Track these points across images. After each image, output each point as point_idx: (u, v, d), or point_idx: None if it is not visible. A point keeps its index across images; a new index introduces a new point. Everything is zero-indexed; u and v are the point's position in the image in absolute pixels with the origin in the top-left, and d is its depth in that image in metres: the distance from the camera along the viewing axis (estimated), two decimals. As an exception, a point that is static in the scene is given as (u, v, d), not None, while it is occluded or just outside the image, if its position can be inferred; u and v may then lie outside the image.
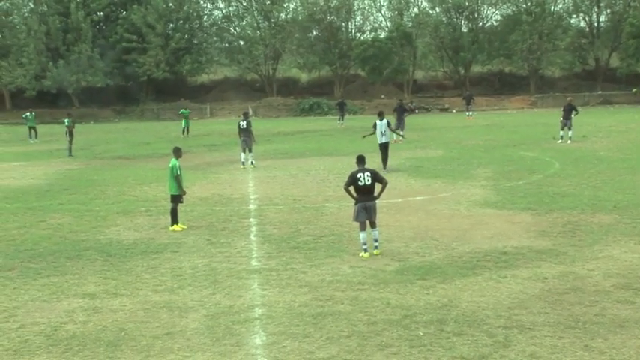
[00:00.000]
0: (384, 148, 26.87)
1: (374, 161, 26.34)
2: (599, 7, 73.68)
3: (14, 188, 25.05)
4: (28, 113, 48.35)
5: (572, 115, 34.81)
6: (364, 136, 28.17)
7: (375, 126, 26.92)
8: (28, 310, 11.51)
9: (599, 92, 69.85)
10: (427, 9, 75.96)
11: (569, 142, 33.93)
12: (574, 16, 75.17)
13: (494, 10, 76.40)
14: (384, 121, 26.84)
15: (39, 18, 70.23)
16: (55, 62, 68.19)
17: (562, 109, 35.85)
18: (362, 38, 75.16)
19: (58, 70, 67.80)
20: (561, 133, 34.85)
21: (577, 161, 27.40)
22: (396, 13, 75.99)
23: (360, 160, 14.64)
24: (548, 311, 10.70)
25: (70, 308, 11.50)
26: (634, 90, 67.86)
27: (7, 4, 73.59)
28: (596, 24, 75.07)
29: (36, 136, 46.51)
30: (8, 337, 10.33)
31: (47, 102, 68.42)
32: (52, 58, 68.71)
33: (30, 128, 47.07)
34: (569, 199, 19.64)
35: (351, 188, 14.27)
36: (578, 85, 73.14)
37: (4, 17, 72.18)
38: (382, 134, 26.61)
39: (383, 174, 15.64)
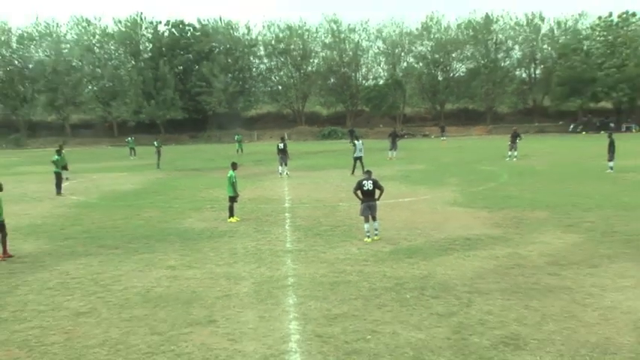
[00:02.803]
0: (359, 160, 28.33)
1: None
2: (535, 63, 73.84)
3: (119, 191, 25.29)
4: (130, 138, 48.85)
5: (517, 140, 34.57)
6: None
7: (354, 144, 28.38)
8: (128, 277, 11.61)
9: (536, 124, 69.22)
10: (413, 63, 75.98)
11: (514, 159, 33.62)
12: (518, 69, 75.20)
13: (461, 64, 76.29)
14: (361, 141, 28.45)
15: (137, 71, 71.36)
16: (148, 102, 69.30)
17: (510, 135, 35.58)
18: (366, 84, 75.22)
19: (150, 107, 69.11)
20: (509, 153, 34.57)
21: (520, 173, 27.12)
22: (391, 66, 75.86)
23: (368, 172, 14.64)
24: (499, 281, 10.62)
25: (157, 276, 11.58)
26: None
27: (117, 62, 74.88)
28: (533, 75, 74.75)
29: (135, 154, 46.85)
30: (115, 295, 10.45)
31: (142, 130, 68.90)
32: (146, 98, 69.65)
33: (130, 149, 47.47)
34: (515, 200, 19.46)
35: (358, 192, 14.25)
36: (521, 118, 72.31)
37: (114, 71, 73.29)
38: (359, 150, 28.29)
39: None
